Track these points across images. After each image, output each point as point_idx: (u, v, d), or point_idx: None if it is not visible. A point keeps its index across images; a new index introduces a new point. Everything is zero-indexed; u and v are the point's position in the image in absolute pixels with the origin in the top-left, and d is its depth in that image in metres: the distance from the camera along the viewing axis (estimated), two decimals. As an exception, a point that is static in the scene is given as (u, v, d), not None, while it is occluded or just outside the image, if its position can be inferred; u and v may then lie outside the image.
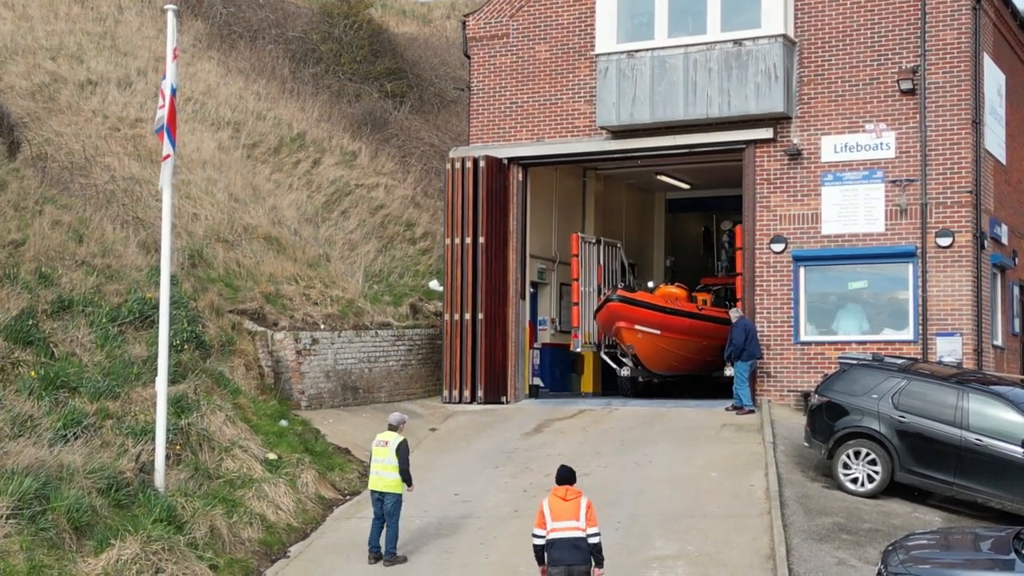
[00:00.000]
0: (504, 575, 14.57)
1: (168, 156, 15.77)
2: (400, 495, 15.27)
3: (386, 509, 15.17)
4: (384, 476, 15.25)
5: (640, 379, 25.24)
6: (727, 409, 21.52)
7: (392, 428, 15.53)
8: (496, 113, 24.93)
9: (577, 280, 25.20)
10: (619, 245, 27.53)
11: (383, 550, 15.13)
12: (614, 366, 25.17)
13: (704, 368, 25.53)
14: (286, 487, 16.73)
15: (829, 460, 17.72)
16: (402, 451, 15.25)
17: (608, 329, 24.18)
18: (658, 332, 23.90)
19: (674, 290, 25.46)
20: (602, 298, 24.49)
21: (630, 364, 24.65)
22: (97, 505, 14.00)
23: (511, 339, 24.46)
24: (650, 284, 25.71)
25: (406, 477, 15.22)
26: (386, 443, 15.35)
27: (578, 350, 25.52)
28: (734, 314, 21.94)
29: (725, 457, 18.67)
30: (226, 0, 35.44)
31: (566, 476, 12.84)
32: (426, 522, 16.49)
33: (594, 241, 26.18)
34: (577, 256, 25.18)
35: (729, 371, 23.78)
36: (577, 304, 25.23)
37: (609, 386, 26.52)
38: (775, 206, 22.39)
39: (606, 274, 26.46)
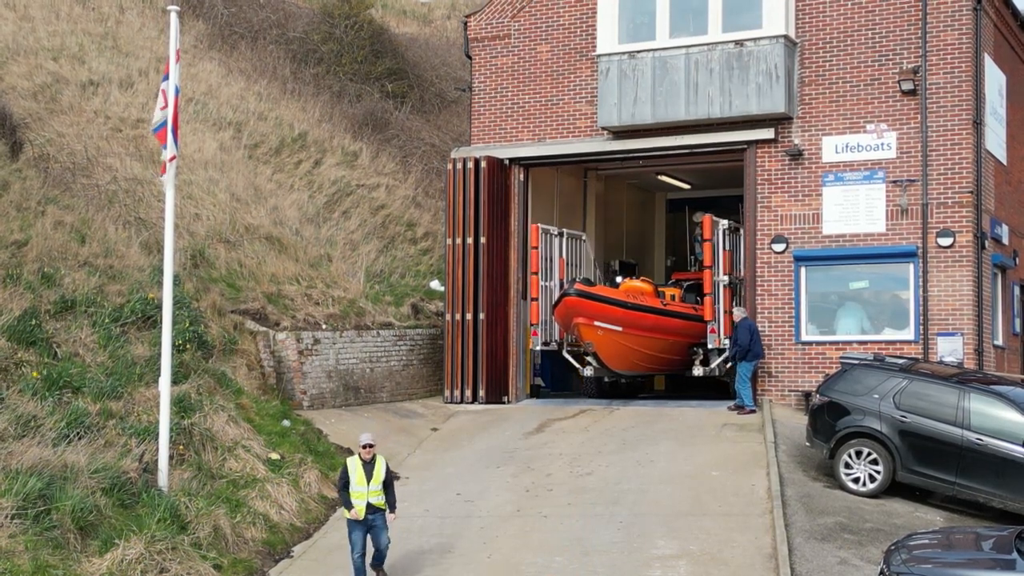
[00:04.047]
0: (506, 574, 14.60)
1: (174, 157, 15.80)
2: (346, 519, 14.62)
3: None
4: None
5: (606, 379, 24.32)
6: (728, 409, 21.54)
7: None
8: (497, 113, 24.95)
9: (536, 274, 23.51)
10: (584, 238, 26.25)
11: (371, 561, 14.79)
12: (577, 365, 23.84)
13: (672, 367, 24.41)
14: (289, 487, 16.77)
15: (830, 460, 17.77)
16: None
17: (567, 325, 22.70)
18: (619, 329, 22.44)
19: (639, 284, 24.09)
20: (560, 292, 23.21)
21: (594, 363, 23.23)
22: (101, 505, 14.03)
23: (512, 339, 24.49)
24: (618, 279, 24.58)
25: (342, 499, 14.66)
26: None
27: (537, 348, 23.97)
28: (738, 313, 21.93)
29: (726, 456, 18.70)
30: (227, 0, 35.45)
31: None
32: (428, 521, 16.53)
33: (556, 233, 24.65)
34: (537, 249, 23.47)
35: (697, 370, 23.28)
36: (536, 300, 23.50)
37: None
38: (776, 206, 22.43)
39: (569, 268, 25.03)
